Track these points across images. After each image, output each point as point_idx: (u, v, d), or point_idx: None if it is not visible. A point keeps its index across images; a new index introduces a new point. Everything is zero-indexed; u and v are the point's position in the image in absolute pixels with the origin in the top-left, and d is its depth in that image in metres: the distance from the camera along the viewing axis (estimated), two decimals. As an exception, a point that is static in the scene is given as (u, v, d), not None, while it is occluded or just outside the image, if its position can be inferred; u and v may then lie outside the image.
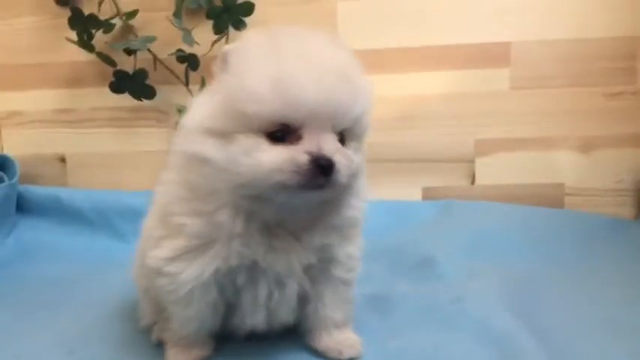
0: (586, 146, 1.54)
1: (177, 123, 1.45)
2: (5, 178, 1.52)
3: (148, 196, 1.54)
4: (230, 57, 0.73)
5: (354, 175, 0.75)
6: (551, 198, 1.56)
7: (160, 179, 0.82)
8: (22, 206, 1.57)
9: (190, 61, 1.47)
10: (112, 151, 1.63)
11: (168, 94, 1.55)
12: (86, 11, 1.47)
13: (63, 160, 1.64)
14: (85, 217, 1.54)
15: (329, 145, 0.70)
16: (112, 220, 1.54)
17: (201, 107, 0.75)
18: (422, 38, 1.52)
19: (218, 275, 0.78)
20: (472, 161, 1.55)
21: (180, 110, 1.48)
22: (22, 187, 1.57)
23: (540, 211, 1.51)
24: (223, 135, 0.71)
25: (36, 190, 1.58)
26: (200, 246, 0.77)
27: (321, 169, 0.69)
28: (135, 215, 1.48)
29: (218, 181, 0.73)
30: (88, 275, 1.34)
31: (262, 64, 0.70)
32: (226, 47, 0.75)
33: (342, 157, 0.71)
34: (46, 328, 1.07)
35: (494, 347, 0.89)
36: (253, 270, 0.78)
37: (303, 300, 0.86)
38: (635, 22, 1.49)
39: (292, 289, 0.82)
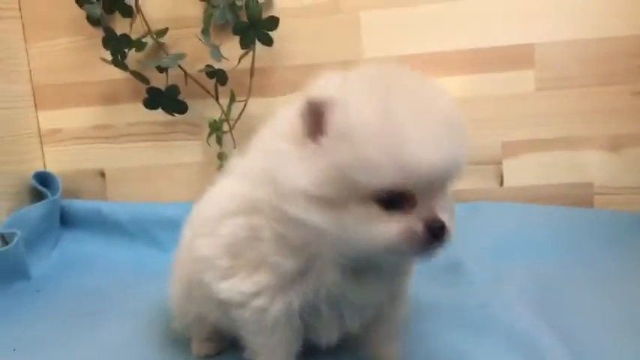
0: (614, 145, 1.53)
1: (209, 136, 1.51)
2: (48, 194, 1.59)
3: (184, 207, 1.59)
4: (330, 113, 0.65)
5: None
6: (580, 198, 1.55)
7: (215, 200, 0.83)
8: (66, 220, 1.64)
9: (219, 76, 1.51)
10: (148, 164, 1.69)
11: (199, 108, 1.60)
12: (118, 31, 1.52)
13: (102, 174, 1.71)
14: (124, 229, 1.60)
15: (442, 208, 0.67)
16: (150, 231, 1.59)
17: (301, 169, 0.67)
18: (445, 43, 1.53)
19: (305, 306, 0.77)
20: (500, 163, 1.56)
21: (212, 125, 1.53)
22: (64, 202, 1.63)
23: (570, 211, 1.51)
24: (331, 203, 0.66)
25: (78, 204, 1.64)
26: (289, 282, 0.75)
27: (435, 235, 0.65)
28: (171, 225, 1.56)
29: (321, 245, 0.69)
30: (129, 284, 1.39)
31: (375, 129, 0.63)
32: (318, 97, 0.66)
33: (450, 215, 0.68)
34: (91, 336, 1.13)
35: (521, 352, 0.90)
36: (339, 301, 0.78)
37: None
38: (660, 19, 1.48)
39: (371, 312, 0.83)
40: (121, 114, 1.67)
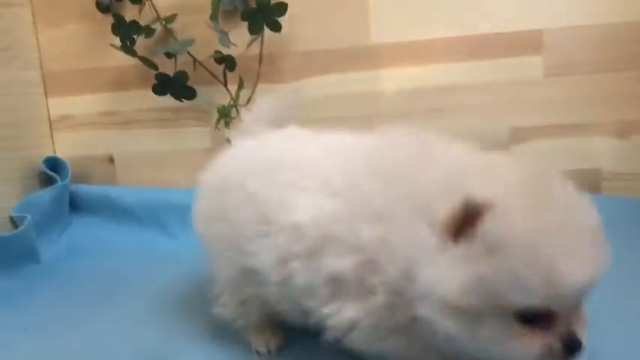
0: (623, 131, 1.52)
1: (217, 122, 1.52)
2: (58, 179, 1.61)
3: (192, 192, 1.61)
4: (483, 219, 0.61)
5: None
6: (588, 183, 1.55)
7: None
8: (75, 205, 1.66)
9: (228, 62, 1.52)
10: (157, 150, 1.70)
11: (208, 93, 1.60)
12: (127, 17, 1.53)
13: (112, 160, 1.72)
14: (133, 214, 1.61)
15: (579, 323, 0.65)
16: (159, 216, 1.60)
17: (445, 273, 0.62)
18: (454, 28, 1.53)
19: None
20: (507, 149, 1.56)
21: (221, 111, 1.53)
22: (74, 187, 1.65)
23: (578, 196, 1.50)
24: (468, 313, 0.62)
25: (87, 190, 1.67)
26: None
27: (572, 351, 0.64)
28: (180, 211, 1.56)
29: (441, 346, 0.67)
30: (139, 268, 1.41)
31: (529, 245, 0.59)
32: (478, 200, 0.61)
33: (583, 325, 0.66)
34: (102, 317, 1.15)
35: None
36: None
37: None
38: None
39: None
40: (130, 100, 1.68)
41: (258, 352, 0.95)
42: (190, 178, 1.64)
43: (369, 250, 0.68)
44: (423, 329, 0.66)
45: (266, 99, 1.08)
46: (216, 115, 1.55)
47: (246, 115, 1.07)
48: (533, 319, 0.62)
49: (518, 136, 1.55)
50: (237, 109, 1.53)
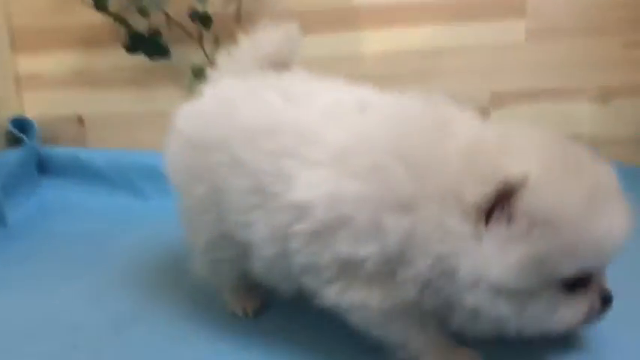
0: (605, 96, 1.52)
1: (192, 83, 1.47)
2: (26, 139, 1.55)
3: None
4: (523, 196, 0.60)
5: None
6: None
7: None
8: (44, 167, 1.60)
9: (203, 20, 1.47)
10: (129, 111, 1.65)
11: (182, 53, 1.55)
12: (100, -28, 1.47)
13: (81, 120, 1.66)
14: (104, 176, 1.57)
15: (604, 277, 0.69)
16: (131, 179, 1.56)
17: (490, 259, 0.60)
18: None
19: None
20: (488, 113, 1.54)
21: (195, 71, 1.48)
22: (42, 149, 1.59)
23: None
24: (519, 291, 0.61)
25: (56, 151, 1.61)
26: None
27: (607, 304, 0.68)
28: (153, 173, 1.53)
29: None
30: (110, 231, 1.37)
31: (579, 215, 0.60)
32: (514, 179, 0.59)
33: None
34: (73, 282, 1.11)
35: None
36: None
37: None
38: (655, -32, 1.45)
39: None
40: (101, 59, 1.62)
41: (235, 315, 0.93)
42: (163, 139, 1.61)
43: (393, 241, 0.64)
44: (460, 316, 0.65)
45: (268, 34, 0.92)
46: (190, 75, 1.50)
47: (237, 50, 0.93)
48: (575, 284, 0.64)
49: (499, 100, 1.54)
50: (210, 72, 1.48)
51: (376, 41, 1.53)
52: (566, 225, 0.60)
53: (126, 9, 1.50)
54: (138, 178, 1.55)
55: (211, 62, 1.45)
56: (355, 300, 0.69)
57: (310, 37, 1.52)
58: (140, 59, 1.53)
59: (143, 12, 1.47)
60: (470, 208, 0.60)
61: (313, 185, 0.69)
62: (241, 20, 1.48)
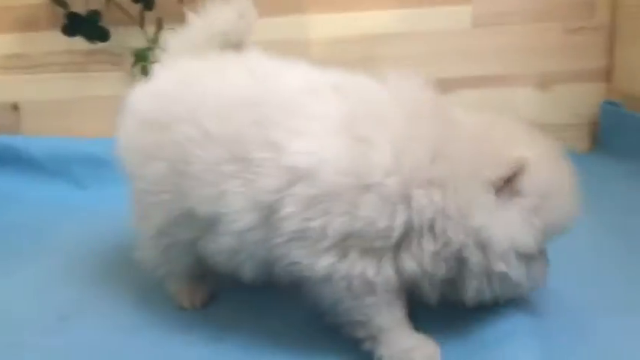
0: (545, 82, 1.55)
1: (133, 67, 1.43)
2: (-44, 126, 1.48)
3: (105, 142, 1.51)
4: (528, 174, 0.69)
5: None
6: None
7: None
8: (-23, 156, 1.53)
9: (145, 1, 1.42)
10: (66, 97, 1.59)
11: (122, 35, 1.50)
12: (34, -49, 1.40)
13: (16, 107, 1.60)
14: (40, 165, 1.51)
15: None
16: (69, 168, 1.51)
17: (516, 227, 0.69)
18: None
19: None
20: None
21: (138, 54, 1.44)
22: (-25, 137, 1.52)
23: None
24: (530, 256, 0.72)
25: (-10, 140, 1.54)
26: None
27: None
28: (91, 162, 1.49)
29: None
30: (49, 222, 1.33)
31: (565, 196, 0.73)
32: (525, 160, 0.69)
33: None
34: (12, 275, 1.07)
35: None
36: None
37: None
38: (595, -43, 1.49)
39: None
40: (37, 42, 1.56)
41: (182, 307, 0.90)
42: (103, 127, 1.56)
43: (424, 214, 0.67)
44: (471, 285, 0.72)
45: (219, 11, 0.89)
46: (131, 59, 1.46)
47: (190, 30, 0.90)
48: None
49: (445, 86, 1.53)
50: (155, 53, 1.44)
51: (322, 26, 1.52)
52: (557, 199, 0.71)
53: (63, -11, 1.45)
54: (76, 167, 1.50)
55: (153, 45, 1.42)
56: (352, 271, 0.69)
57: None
58: (78, 42, 1.48)
59: (81, -8, 1.42)
60: (493, 185, 0.69)
61: (316, 152, 0.68)
62: (185, 1, 1.44)
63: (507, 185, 0.69)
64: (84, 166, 1.49)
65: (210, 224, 0.75)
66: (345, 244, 0.68)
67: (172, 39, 0.91)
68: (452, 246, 0.68)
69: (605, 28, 1.52)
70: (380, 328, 0.73)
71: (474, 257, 0.69)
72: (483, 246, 0.68)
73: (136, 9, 1.44)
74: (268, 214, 0.70)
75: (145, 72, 1.44)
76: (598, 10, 1.51)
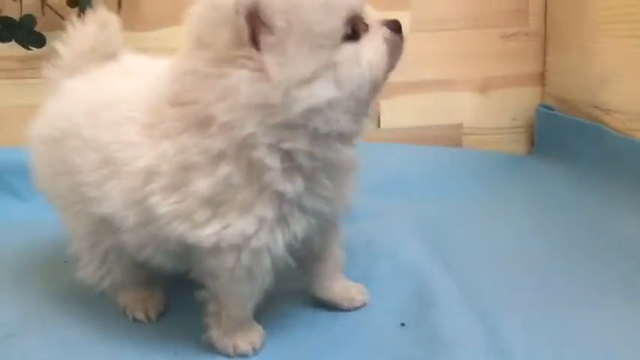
0: (484, 87, 1.61)
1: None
2: None
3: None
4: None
5: None
6: (451, 138, 1.62)
7: None
8: None
9: (81, 5, 1.38)
10: (2, 105, 1.53)
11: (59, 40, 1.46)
12: (-37, -49, 1.35)
13: (-53, 115, 1.53)
14: (-23, 176, 1.45)
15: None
16: (6, 178, 1.46)
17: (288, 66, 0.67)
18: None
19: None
20: (377, 104, 1.57)
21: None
22: None
23: (441, 150, 1.58)
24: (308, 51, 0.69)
25: None
26: (289, 213, 0.73)
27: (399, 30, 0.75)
28: (29, 171, 1.43)
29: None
30: (-10, 235, 1.28)
31: None
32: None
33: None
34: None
35: (409, 282, 0.95)
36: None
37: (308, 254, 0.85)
38: (527, -35, 1.55)
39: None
40: (-32, 48, 1.49)
41: (135, 319, 0.90)
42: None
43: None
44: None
45: (82, 27, 0.93)
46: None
47: (64, 50, 0.94)
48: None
49: (387, 91, 1.57)
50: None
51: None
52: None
53: (-6, -8, 1.39)
54: (14, 178, 1.44)
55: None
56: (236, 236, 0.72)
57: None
58: (11, 47, 1.43)
59: (14, -4, 1.37)
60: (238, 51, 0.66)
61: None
62: (122, 6, 1.42)
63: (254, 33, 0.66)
64: (22, 177, 1.40)
65: (112, 224, 0.78)
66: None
67: (50, 67, 0.96)
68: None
69: (537, 34, 1.59)
70: (230, 316, 0.79)
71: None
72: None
73: (73, 13, 1.40)
74: (143, 209, 0.74)
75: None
76: (531, 17, 1.57)
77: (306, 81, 0.65)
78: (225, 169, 0.69)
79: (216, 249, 0.72)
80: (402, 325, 0.84)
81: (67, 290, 1.00)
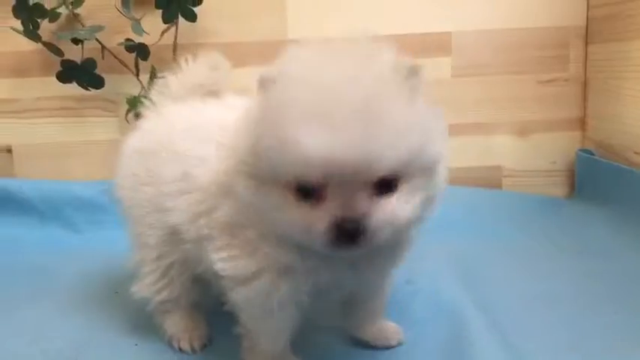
0: (522, 130, 1.63)
1: (127, 114, 1.47)
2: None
3: (98, 186, 1.53)
4: (265, 87, 0.66)
5: (407, 224, 0.66)
6: (490, 180, 1.64)
7: None
8: (-31, 198, 1.54)
9: (140, 51, 1.47)
10: (59, 141, 1.62)
11: (117, 83, 1.55)
12: (31, -1, 1.45)
13: (9, 150, 1.62)
14: (35, 208, 1.52)
15: (358, 204, 0.62)
16: (62, 211, 1.53)
17: (243, 138, 0.68)
18: (368, 29, 1.56)
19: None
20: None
21: (130, 101, 1.48)
22: (-31, 180, 1.54)
23: (482, 192, 1.60)
24: (261, 182, 0.66)
25: (-17, 182, 1.55)
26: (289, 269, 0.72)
27: (347, 234, 0.61)
28: (84, 205, 1.51)
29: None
30: (42, 267, 1.33)
31: (274, 113, 0.62)
32: (264, 72, 0.66)
33: (381, 212, 0.62)
34: (12, 317, 1.08)
35: (446, 322, 0.95)
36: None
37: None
38: (567, 12, 1.58)
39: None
40: (31, 87, 1.60)
41: (180, 350, 0.93)
42: (95, 171, 1.60)
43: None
44: None
45: (194, 65, 1.00)
46: (124, 106, 1.50)
47: (173, 81, 1.00)
48: (309, 195, 0.63)
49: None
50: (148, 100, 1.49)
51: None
52: (265, 124, 0.65)
53: (59, 38, 1.49)
54: (69, 210, 1.52)
55: (147, 92, 1.47)
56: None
57: (244, 68, 1.56)
58: (71, 88, 1.51)
59: (77, 41, 1.46)
60: None
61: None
62: (177, 51, 1.50)
63: None
64: (77, 209, 1.51)
65: (180, 236, 0.83)
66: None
67: (158, 88, 1.01)
68: None
69: (577, 80, 1.61)
70: (263, 351, 0.82)
71: None
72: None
73: (130, 58, 1.49)
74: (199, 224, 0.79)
75: (138, 118, 1.48)
76: (571, 64, 1.60)
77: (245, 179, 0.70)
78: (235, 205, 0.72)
79: (230, 279, 0.75)
80: (440, 364, 0.85)
81: (117, 320, 1.03)
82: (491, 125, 1.63)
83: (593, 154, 1.55)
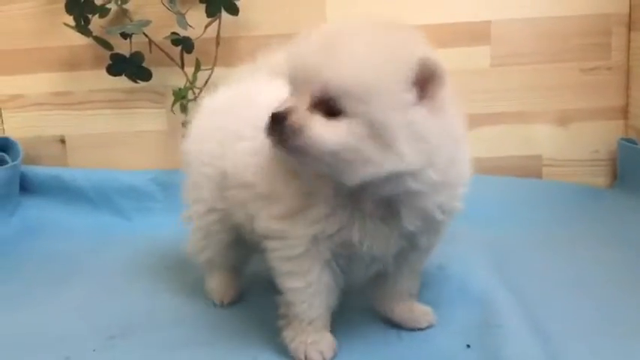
0: (563, 119, 1.61)
1: (173, 105, 1.52)
2: (8, 159, 1.57)
3: (146, 174, 1.60)
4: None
5: (326, 147, 0.70)
6: (530, 169, 1.64)
7: None
8: (25, 186, 1.63)
9: (185, 44, 1.52)
10: (110, 131, 1.69)
11: (163, 75, 1.60)
12: (82, -4, 1.51)
13: (63, 141, 1.70)
14: (86, 196, 1.60)
15: (291, 105, 0.72)
16: (112, 198, 1.60)
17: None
18: (407, 17, 1.56)
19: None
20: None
21: (177, 93, 1.53)
22: (24, 168, 1.62)
23: (520, 181, 1.60)
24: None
25: (38, 171, 1.64)
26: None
27: (270, 123, 0.72)
28: (134, 193, 1.58)
29: None
30: (92, 251, 1.41)
31: (296, 44, 0.76)
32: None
33: (310, 122, 0.71)
34: (55, 299, 1.14)
35: (477, 308, 0.97)
36: (351, 255, 0.83)
37: (380, 273, 0.90)
38: (610, 0, 1.56)
39: (378, 267, 0.87)
40: (82, 81, 1.66)
41: (214, 305, 1.06)
42: (144, 160, 1.67)
43: None
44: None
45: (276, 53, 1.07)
46: (171, 98, 1.55)
47: (257, 65, 1.10)
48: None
49: (467, 123, 1.61)
50: (193, 92, 1.54)
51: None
52: None
53: (109, 32, 1.54)
54: (120, 198, 1.59)
55: (192, 84, 1.52)
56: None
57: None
58: (120, 81, 1.57)
59: (125, 35, 1.52)
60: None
61: None
62: (220, 44, 1.54)
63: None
64: (125, 197, 1.58)
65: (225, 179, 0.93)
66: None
67: (239, 71, 1.12)
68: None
69: (620, 68, 1.59)
70: (297, 316, 0.86)
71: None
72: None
73: (176, 51, 1.54)
74: None
75: (184, 109, 1.54)
76: (613, 52, 1.58)
77: None
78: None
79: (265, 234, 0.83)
80: (468, 346, 0.87)
81: (159, 304, 1.09)
82: (531, 114, 1.62)
83: (635, 143, 1.53)
